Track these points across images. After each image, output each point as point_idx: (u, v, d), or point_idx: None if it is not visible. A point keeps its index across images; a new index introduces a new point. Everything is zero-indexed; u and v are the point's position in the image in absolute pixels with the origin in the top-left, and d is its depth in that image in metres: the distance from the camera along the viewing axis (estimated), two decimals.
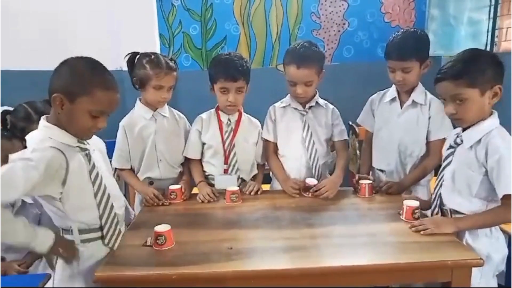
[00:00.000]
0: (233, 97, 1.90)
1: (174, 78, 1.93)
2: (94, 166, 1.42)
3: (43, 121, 1.37)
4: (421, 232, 1.46)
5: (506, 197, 1.37)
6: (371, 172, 2.10)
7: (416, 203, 1.59)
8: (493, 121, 1.46)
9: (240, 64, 1.90)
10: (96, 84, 1.31)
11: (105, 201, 1.44)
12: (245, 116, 2.06)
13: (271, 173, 2.15)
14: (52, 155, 1.29)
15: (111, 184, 1.52)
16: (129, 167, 1.99)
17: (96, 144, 1.51)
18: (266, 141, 2.09)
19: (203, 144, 2.03)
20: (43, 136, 1.33)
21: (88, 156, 1.41)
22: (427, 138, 1.92)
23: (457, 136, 1.54)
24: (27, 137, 1.36)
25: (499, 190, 1.39)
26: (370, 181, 1.91)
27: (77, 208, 1.38)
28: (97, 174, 1.42)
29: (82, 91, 1.30)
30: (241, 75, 1.89)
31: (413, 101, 1.92)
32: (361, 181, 1.91)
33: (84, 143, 1.41)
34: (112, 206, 1.46)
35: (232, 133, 1.99)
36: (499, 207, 1.43)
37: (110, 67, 1.42)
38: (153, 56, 1.90)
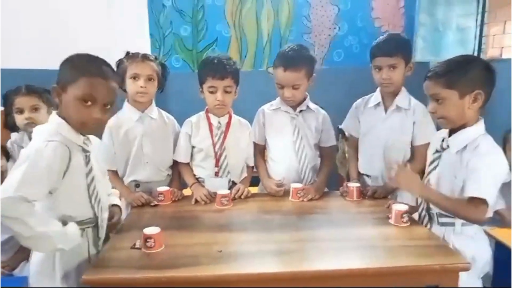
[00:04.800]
0: (221, 95, 1.90)
1: (150, 68, 1.91)
2: (91, 169, 1.44)
3: (54, 115, 1.40)
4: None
5: (472, 198, 1.40)
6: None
7: (404, 207, 1.60)
8: (479, 127, 1.49)
9: (227, 63, 1.91)
10: (80, 71, 1.35)
11: (98, 203, 1.46)
12: (235, 118, 2.05)
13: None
14: (61, 149, 1.32)
15: (103, 186, 1.54)
16: (114, 169, 1.97)
17: (94, 146, 1.52)
18: (253, 143, 2.10)
19: (193, 147, 2.02)
20: (55, 130, 1.36)
21: (87, 159, 1.43)
22: (412, 142, 1.95)
23: (443, 141, 1.56)
24: (35, 130, 1.39)
25: (467, 189, 1.41)
26: (358, 185, 1.92)
27: (66, 207, 1.37)
28: (93, 178, 1.44)
29: (70, 79, 1.34)
30: (228, 74, 1.89)
31: (397, 106, 1.94)
32: (349, 184, 1.92)
33: (87, 145, 1.43)
34: (102, 210, 1.49)
35: (222, 136, 1.99)
36: (467, 202, 1.43)
37: None
38: (130, 53, 1.95)
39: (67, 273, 1.38)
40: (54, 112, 1.42)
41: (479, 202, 1.39)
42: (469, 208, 1.42)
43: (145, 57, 1.93)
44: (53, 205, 1.36)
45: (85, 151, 1.43)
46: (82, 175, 1.42)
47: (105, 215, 1.53)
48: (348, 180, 2.10)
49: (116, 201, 1.68)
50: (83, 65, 1.36)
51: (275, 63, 1.96)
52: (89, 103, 1.35)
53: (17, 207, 1.19)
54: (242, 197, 1.93)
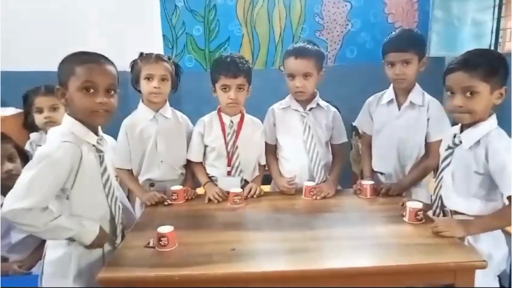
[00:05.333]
0: (234, 94, 1.91)
1: (164, 68, 1.93)
2: (106, 169, 1.46)
3: (66, 116, 1.43)
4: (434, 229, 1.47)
5: (509, 199, 1.38)
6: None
7: (419, 205, 1.58)
8: (492, 122, 1.47)
9: (240, 62, 1.92)
10: (74, 62, 1.38)
11: (114, 203, 1.49)
12: (247, 117, 2.05)
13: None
14: (72, 149, 1.35)
15: (116, 185, 1.57)
16: (129, 168, 1.99)
17: (109, 145, 1.56)
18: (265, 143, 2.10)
19: (206, 146, 2.03)
20: (67, 130, 1.39)
21: (101, 158, 1.45)
22: (426, 139, 1.92)
23: (455, 137, 1.54)
24: (50, 132, 1.43)
25: (504, 191, 1.39)
26: (372, 182, 1.90)
27: (82, 207, 1.40)
28: (108, 177, 1.47)
29: (68, 74, 1.37)
30: (241, 72, 1.90)
31: (410, 102, 1.91)
32: (362, 182, 1.91)
33: (101, 144, 1.45)
34: (119, 208, 1.53)
35: (234, 135, 1.99)
36: (507, 208, 1.42)
37: None
38: (144, 54, 1.98)
39: (81, 271, 1.41)
40: (66, 113, 1.44)
41: None
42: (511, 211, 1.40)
43: (158, 57, 1.95)
44: (70, 209, 1.38)
45: (98, 150, 1.45)
46: (96, 175, 1.44)
47: (120, 212, 1.56)
48: (362, 177, 2.08)
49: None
50: (75, 58, 1.40)
51: (285, 56, 1.98)
52: (91, 90, 1.38)
53: (24, 217, 1.26)
54: (255, 196, 1.93)
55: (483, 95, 1.42)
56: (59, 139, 1.35)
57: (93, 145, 1.43)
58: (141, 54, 1.98)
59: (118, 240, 1.53)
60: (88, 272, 1.42)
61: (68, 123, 1.41)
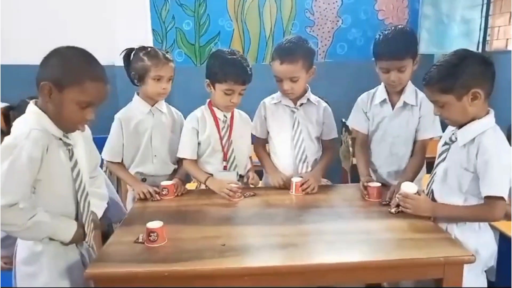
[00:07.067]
0: (237, 98, 1.90)
1: (172, 68, 1.93)
2: (76, 163, 1.38)
3: (32, 106, 1.32)
4: (392, 211, 1.59)
5: (488, 197, 1.40)
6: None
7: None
8: (488, 120, 1.46)
9: (247, 66, 1.88)
10: (85, 74, 1.27)
11: (84, 199, 1.42)
12: (236, 112, 2.05)
13: (264, 170, 2.15)
14: (41, 137, 1.26)
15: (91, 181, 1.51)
16: (120, 161, 1.97)
17: (80, 134, 1.45)
18: (255, 137, 2.10)
19: (198, 143, 1.98)
20: (36, 120, 1.29)
21: (70, 153, 1.37)
22: (416, 137, 1.91)
23: (453, 134, 1.54)
24: (16, 122, 1.32)
25: (482, 189, 1.41)
26: (379, 184, 1.82)
27: (48, 203, 1.33)
28: (79, 172, 1.39)
29: (71, 81, 1.26)
30: (250, 79, 1.89)
31: (404, 102, 1.89)
32: (369, 184, 1.82)
33: (68, 138, 1.36)
34: (89, 204, 1.45)
35: (228, 129, 1.98)
36: (481, 205, 1.45)
37: (102, 62, 1.38)
38: (149, 49, 1.93)
39: (58, 271, 1.36)
40: (31, 103, 1.33)
41: (495, 199, 1.39)
42: (486, 209, 1.42)
43: (166, 58, 1.91)
44: (36, 204, 1.31)
45: (67, 144, 1.36)
46: (65, 170, 1.35)
47: (99, 210, 1.52)
48: (354, 175, 2.06)
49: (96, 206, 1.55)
50: (83, 67, 1.29)
51: (272, 56, 1.95)
52: (87, 107, 1.30)
53: (4, 215, 1.19)
54: (254, 183, 1.96)
55: (451, 104, 1.44)
56: (28, 127, 1.25)
57: (60, 139, 1.34)
58: (145, 48, 1.92)
59: (88, 238, 1.44)
60: (66, 272, 1.37)
61: (34, 113, 1.30)
